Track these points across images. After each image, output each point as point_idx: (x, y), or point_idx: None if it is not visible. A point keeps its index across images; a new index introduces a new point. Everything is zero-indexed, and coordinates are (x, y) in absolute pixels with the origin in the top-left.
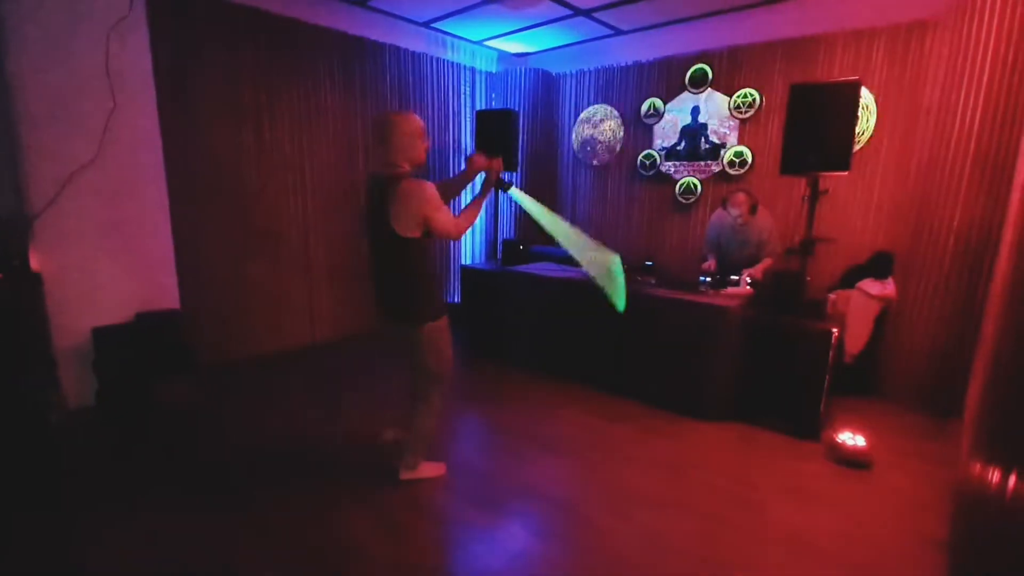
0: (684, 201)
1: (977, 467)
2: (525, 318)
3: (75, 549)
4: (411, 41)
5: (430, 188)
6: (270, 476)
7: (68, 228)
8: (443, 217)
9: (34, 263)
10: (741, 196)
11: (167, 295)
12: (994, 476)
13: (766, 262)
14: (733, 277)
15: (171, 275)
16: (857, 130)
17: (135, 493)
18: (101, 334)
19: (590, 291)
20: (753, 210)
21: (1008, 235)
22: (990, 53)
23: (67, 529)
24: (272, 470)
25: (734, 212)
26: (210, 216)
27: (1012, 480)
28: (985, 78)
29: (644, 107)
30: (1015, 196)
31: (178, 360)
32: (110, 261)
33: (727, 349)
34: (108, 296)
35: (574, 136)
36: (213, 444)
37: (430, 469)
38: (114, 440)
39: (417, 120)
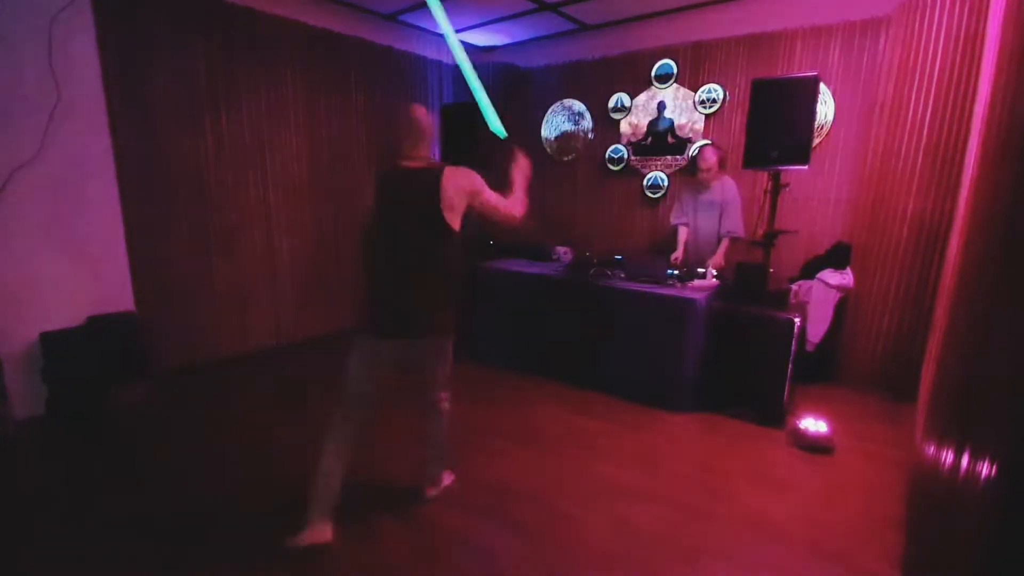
0: (652, 196)
1: (930, 449)
2: (495, 314)
3: (24, 562)
4: (376, 33)
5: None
6: (231, 483)
7: (11, 228)
8: (495, 196)
9: None
10: (709, 150)
11: (121, 297)
12: (946, 457)
13: (724, 245)
14: (700, 270)
15: (124, 276)
16: (816, 124)
17: (86, 504)
18: (50, 339)
19: (562, 286)
20: (723, 164)
21: (958, 224)
22: (939, 50)
23: (15, 543)
24: (234, 476)
25: (703, 167)
26: (166, 213)
27: (963, 461)
28: (935, 74)
29: (611, 102)
30: (964, 186)
31: (134, 365)
32: (58, 263)
33: (694, 340)
34: (57, 299)
35: (542, 131)
36: (170, 451)
37: (447, 478)
38: (65, 450)
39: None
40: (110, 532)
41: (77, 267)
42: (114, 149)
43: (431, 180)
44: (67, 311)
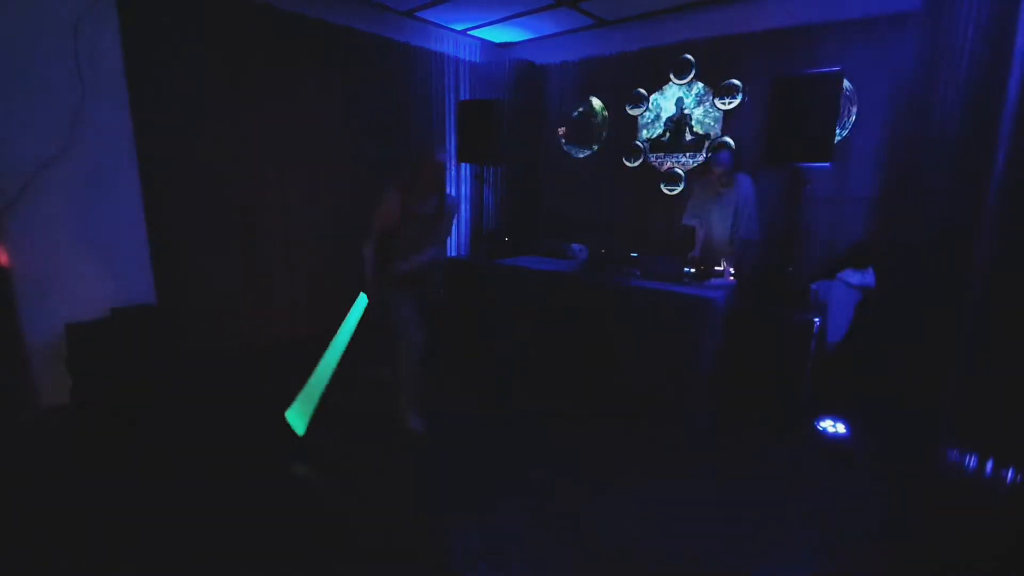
0: (668, 192)
1: (953, 454)
2: (510, 311)
3: (54, 550)
4: (393, 30)
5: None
6: (250, 469)
7: (38, 222)
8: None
9: (3, 258)
10: (724, 152)
11: (143, 289)
12: (969, 463)
13: (737, 248)
14: (717, 268)
15: (146, 269)
16: (839, 121)
17: (113, 491)
18: (75, 330)
19: (576, 284)
20: (737, 164)
21: (985, 224)
22: (968, 44)
23: (40, 532)
24: (252, 465)
25: (717, 171)
26: (187, 208)
27: (987, 467)
28: (963, 70)
29: (629, 98)
30: (991, 187)
31: (155, 356)
32: (83, 255)
33: (712, 340)
34: (82, 291)
35: (559, 127)
36: (190, 439)
37: (416, 421)
38: (89, 438)
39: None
40: (136, 513)
41: (101, 260)
42: (137, 144)
43: None
44: (91, 303)
